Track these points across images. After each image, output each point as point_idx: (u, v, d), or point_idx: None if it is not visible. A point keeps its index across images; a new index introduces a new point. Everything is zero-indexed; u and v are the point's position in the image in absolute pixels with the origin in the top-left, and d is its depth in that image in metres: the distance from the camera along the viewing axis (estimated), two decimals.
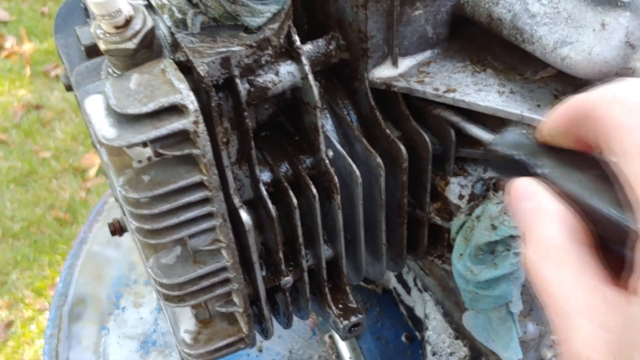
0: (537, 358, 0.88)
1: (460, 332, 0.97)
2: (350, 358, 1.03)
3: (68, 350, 1.07)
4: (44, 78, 3.24)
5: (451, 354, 0.97)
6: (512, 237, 0.66)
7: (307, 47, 0.69)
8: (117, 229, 0.89)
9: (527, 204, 0.40)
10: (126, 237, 1.00)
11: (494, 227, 0.66)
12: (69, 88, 0.73)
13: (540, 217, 0.39)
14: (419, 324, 1.10)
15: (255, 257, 0.68)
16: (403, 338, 1.11)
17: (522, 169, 0.43)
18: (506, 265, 0.66)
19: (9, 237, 2.62)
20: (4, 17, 3.47)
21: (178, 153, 0.57)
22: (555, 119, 0.42)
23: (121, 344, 1.09)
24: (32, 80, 3.20)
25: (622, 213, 0.36)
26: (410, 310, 1.11)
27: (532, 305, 0.81)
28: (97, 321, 1.11)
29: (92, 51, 0.67)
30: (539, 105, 0.66)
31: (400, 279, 1.10)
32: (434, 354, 0.98)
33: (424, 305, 1.00)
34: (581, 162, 0.40)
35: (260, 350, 1.08)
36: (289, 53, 0.63)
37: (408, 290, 1.09)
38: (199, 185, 0.59)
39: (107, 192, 1.48)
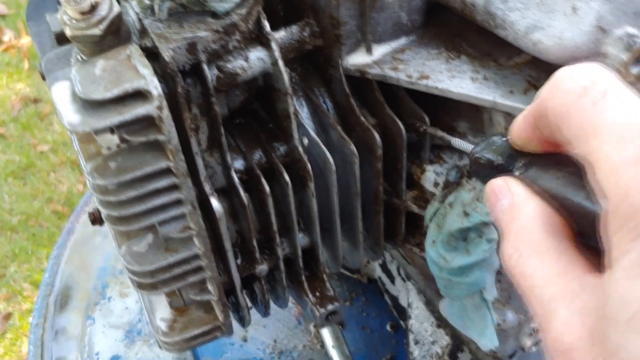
0: (517, 346, 0.87)
1: (442, 321, 0.97)
2: (333, 347, 1.03)
3: (53, 339, 1.07)
4: None
5: (433, 342, 0.97)
6: (484, 223, 0.66)
7: (281, 34, 0.68)
8: (97, 218, 0.89)
9: (504, 202, 0.40)
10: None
11: (466, 214, 0.66)
12: (43, 77, 0.73)
13: (517, 213, 0.39)
14: (403, 313, 1.10)
15: (227, 245, 0.68)
16: (388, 327, 1.11)
17: (503, 174, 0.43)
18: (479, 252, 0.66)
19: (7, 230, 2.62)
20: (2, 11, 3.47)
21: (143, 139, 0.56)
22: (518, 129, 0.42)
23: (106, 333, 1.09)
24: (30, 74, 3.21)
25: (595, 204, 0.36)
26: (394, 299, 1.11)
27: (511, 294, 0.81)
28: (83, 311, 1.11)
29: (62, 38, 0.67)
30: (512, 92, 0.66)
31: (384, 268, 1.10)
32: (416, 342, 0.98)
33: (407, 294, 1.00)
34: (556, 161, 0.41)
35: (244, 340, 1.08)
36: (259, 39, 0.63)
37: (392, 280, 1.09)
38: (166, 172, 0.59)
39: None
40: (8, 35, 3.40)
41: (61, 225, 2.59)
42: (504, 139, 0.45)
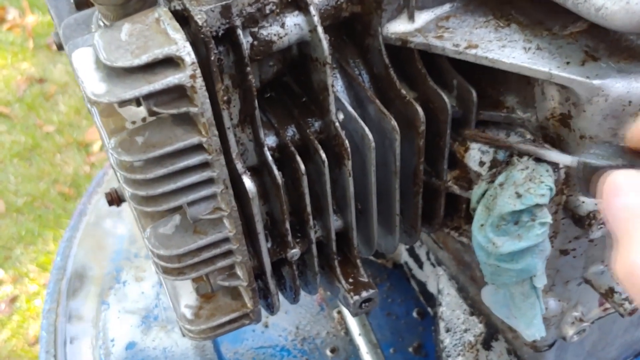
0: (558, 335, 0.83)
1: (475, 308, 0.92)
2: (360, 335, 0.98)
3: (67, 325, 1.03)
4: (47, 51, 3.18)
5: (466, 330, 0.92)
6: (538, 206, 0.61)
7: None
8: (115, 199, 0.84)
9: (628, 199, 0.35)
10: (126, 208, 0.95)
11: (518, 195, 0.61)
12: (59, 47, 0.68)
13: None
14: (431, 300, 1.06)
15: (259, 227, 0.63)
16: (414, 314, 1.07)
17: None
18: (531, 237, 0.61)
19: (13, 211, 2.59)
20: None
21: (174, 111, 0.51)
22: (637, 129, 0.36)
23: (122, 319, 1.05)
24: (35, 53, 3.15)
25: None
26: (422, 285, 1.06)
27: (554, 280, 0.77)
28: (96, 296, 1.07)
29: (82, 3, 0.62)
30: (568, 63, 0.61)
31: (412, 252, 1.05)
32: (447, 330, 0.93)
33: (437, 280, 0.95)
34: None
35: (266, 326, 1.04)
36: (296, 3, 0.58)
37: (420, 265, 1.04)
38: (198, 148, 0.54)
39: (107, 163, 1.44)
40: (12, 14, 3.35)
41: (67, 206, 2.56)
42: (606, 143, 0.41)
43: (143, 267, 1.11)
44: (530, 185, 0.61)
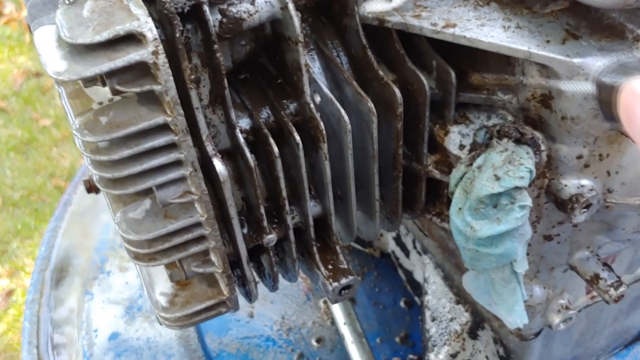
0: (544, 324, 0.81)
1: (461, 297, 0.91)
2: (345, 324, 0.97)
3: (49, 315, 1.02)
4: None
5: (452, 319, 0.91)
6: (517, 188, 0.59)
7: None
8: (93, 186, 0.83)
9: None
10: None
11: (497, 178, 0.59)
12: (30, 27, 0.67)
13: None
14: (418, 289, 1.04)
15: (233, 212, 0.62)
16: (402, 303, 1.06)
17: None
18: (510, 220, 0.60)
19: (10, 205, 2.59)
20: None
21: (137, 89, 0.50)
22: None
23: (105, 309, 1.04)
24: (32, 47, 3.14)
25: None
26: (409, 274, 1.05)
27: (539, 267, 0.75)
28: (80, 286, 1.06)
29: None
30: (548, 41, 0.59)
31: (398, 241, 1.04)
32: (433, 319, 0.92)
33: (423, 269, 0.94)
34: None
35: (251, 316, 1.03)
36: None
37: (407, 254, 1.03)
38: (163, 128, 0.53)
39: None
40: (9, 8, 3.33)
41: None
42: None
43: (127, 257, 1.09)
44: (509, 167, 0.59)
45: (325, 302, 1.05)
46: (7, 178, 2.68)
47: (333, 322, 1.02)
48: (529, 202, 0.60)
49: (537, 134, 0.63)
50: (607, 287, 0.72)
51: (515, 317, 0.66)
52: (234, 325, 1.01)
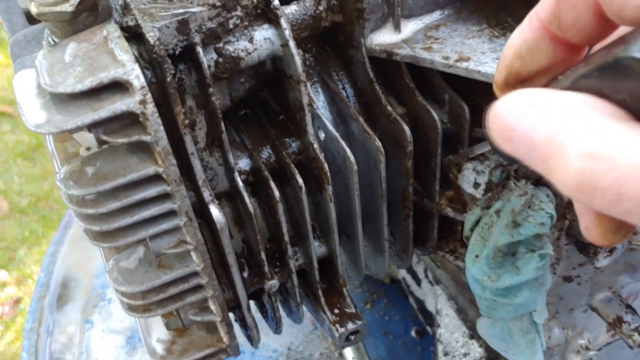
0: None
1: (475, 332, 0.86)
2: (353, 358, 0.93)
3: (48, 346, 0.99)
4: None
5: (465, 354, 0.87)
6: (537, 235, 0.55)
7: (292, 8, 0.57)
8: None
9: (522, 120, 0.31)
10: None
11: (516, 225, 0.55)
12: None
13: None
14: (430, 318, 1.00)
15: (231, 259, 0.58)
16: (413, 333, 1.01)
17: None
18: (530, 270, 0.55)
19: (17, 212, 2.57)
20: None
21: (125, 140, 0.46)
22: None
23: (106, 339, 1.00)
24: None
25: None
26: (420, 302, 1.00)
27: (558, 308, 0.71)
28: (80, 314, 1.03)
29: (34, 16, 0.56)
30: None
31: (409, 269, 1.00)
32: (446, 354, 0.88)
33: (436, 300, 0.90)
34: None
35: (255, 347, 0.98)
36: (266, 15, 0.52)
37: (418, 282, 0.98)
38: (155, 178, 0.49)
39: None
40: None
41: None
42: None
43: None
44: (529, 212, 0.55)
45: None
46: (14, 184, 2.67)
47: (341, 353, 0.98)
48: (549, 250, 0.56)
49: None
50: (631, 331, 0.67)
51: None
52: (238, 357, 0.97)
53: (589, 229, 0.34)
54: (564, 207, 0.59)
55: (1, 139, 2.80)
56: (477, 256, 0.57)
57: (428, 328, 1.00)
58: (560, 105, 0.30)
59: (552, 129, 0.29)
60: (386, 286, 1.06)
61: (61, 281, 1.06)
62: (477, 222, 0.59)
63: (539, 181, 0.58)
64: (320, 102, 0.63)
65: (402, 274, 1.03)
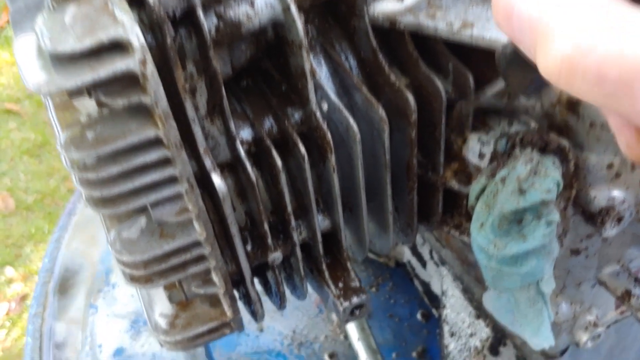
0: (571, 341, 0.76)
1: (481, 311, 0.86)
2: (359, 339, 0.92)
3: (53, 330, 0.98)
4: None
5: (472, 335, 0.86)
6: (544, 202, 0.54)
7: None
8: None
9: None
10: None
11: (522, 192, 0.54)
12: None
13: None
14: (436, 301, 0.99)
15: (234, 229, 0.57)
16: (418, 316, 1.01)
17: None
18: (536, 237, 0.54)
19: (23, 209, 2.57)
20: None
21: (125, 102, 0.46)
22: None
23: (110, 323, 1.00)
24: None
25: None
26: (426, 285, 1.00)
27: (565, 282, 0.70)
28: (84, 299, 1.02)
29: None
30: None
31: (414, 251, 0.99)
32: (452, 334, 0.87)
33: (441, 281, 0.89)
34: None
35: (261, 330, 0.98)
36: None
37: (423, 264, 0.98)
38: (155, 143, 0.48)
39: None
40: None
41: None
42: None
43: None
44: (534, 179, 0.54)
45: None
46: (20, 181, 2.67)
47: (346, 336, 0.97)
48: (556, 217, 0.55)
49: (564, 142, 0.58)
50: None
51: (541, 339, 0.61)
52: (243, 339, 0.97)
53: (630, 146, 0.33)
54: (571, 176, 0.59)
55: (7, 136, 2.81)
56: (482, 224, 0.56)
57: (434, 311, 1.00)
58: None
59: (543, 7, 0.29)
60: (391, 269, 1.05)
61: (65, 267, 1.06)
62: (482, 191, 0.58)
63: (545, 149, 0.57)
64: (323, 74, 0.62)
65: (407, 256, 1.02)
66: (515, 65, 0.44)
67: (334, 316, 1.01)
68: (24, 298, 2.37)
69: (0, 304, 2.34)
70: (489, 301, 0.64)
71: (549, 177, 0.54)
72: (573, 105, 0.57)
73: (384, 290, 1.02)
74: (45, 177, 2.69)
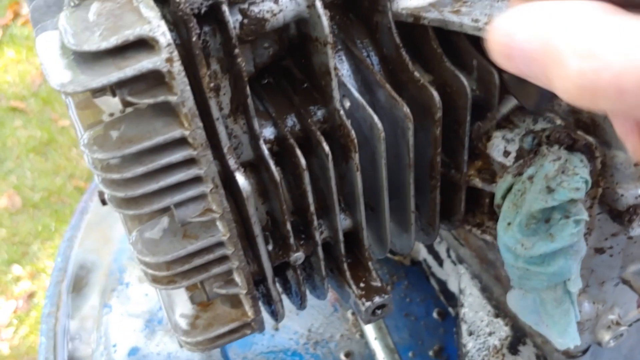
0: (593, 341, 0.75)
1: (500, 310, 0.85)
2: (375, 339, 0.92)
3: (67, 329, 0.98)
4: None
5: (490, 333, 0.85)
6: (572, 201, 0.53)
7: None
8: None
9: (522, 32, 0.30)
10: None
11: (550, 190, 0.53)
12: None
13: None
14: (452, 299, 0.98)
15: (257, 229, 0.56)
16: (435, 314, 1.00)
17: None
18: (565, 237, 0.54)
19: (30, 207, 2.57)
20: None
21: (151, 101, 0.45)
22: None
23: (124, 322, 0.99)
24: None
25: None
26: (442, 284, 0.99)
27: (589, 281, 0.69)
28: (98, 298, 1.02)
29: None
30: None
31: (431, 249, 0.98)
32: (470, 333, 0.86)
33: (459, 279, 0.88)
34: None
35: (276, 329, 0.98)
36: None
37: (440, 262, 0.97)
38: (181, 142, 0.47)
39: None
40: (26, 9, 3.32)
41: None
42: None
43: None
44: (563, 178, 0.53)
45: (353, 313, 1.00)
46: (27, 179, 2.67)
47: (362, 335, 0.97)
48: (584, 215, 0.54)
49: (591, 139, 0.57)
50: None
51: (567, 339, 0.61)
52: (258, 339, 0.97)
53: (637, 150, 0.33)
54: (597, 174, 0.58)
55: (13, 134, 2.81)
56: (509, 224, 0.55)
57: (450, 309, 0.99)
58: (551, 10, 0.29)
59: (546, 35, 0.29)
60: (406, 268, 1.04)
61: (78, 266, 1.06)
62: (509, 189, 0.57)
63: (572, 146, 0.56)
64: (345, 71, 0.61)
65: (423, 255, 1.01)
66: (524, 83, 0.44)
67: (349, 315, 1.00)
68: (31, 296, 2.37)
69: (7, 302, 2.34)
70: (514, 301, 0.63)
71: (577, 175, 0.54)
72: None
73: (399, 289, 1.02)
74: (52, 175, 2.69)
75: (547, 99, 0.46)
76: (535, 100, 0.48)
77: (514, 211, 0.55)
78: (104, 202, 0.77)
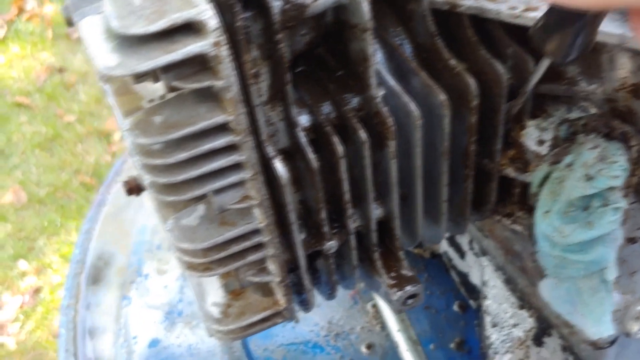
0: (621, 331, 0.75)
1: (525, 301, 0.85)
2: (399, 331, 0.91)
3: (86, 321, 0.98)
4: (66, 40, 3.15)
5: (515, 325, 0.85)
6: (611, 189, 0.53)
7: None
8: (134, 188, 0.78)
9: None
10: (148, 197, 0.89)
11: (589, 178, 0.53)
12: (69, 22, 0.62)
13: None
14: (472, 292, 0.98)
15: (292, 217, 0.56)
16: (455, 307, 1.00)
17: None
18: (603, 224, 0.54)
19: (35, 202, 2.57)
20: None
21: (196, 85, 0.45)
22: None
23: (144, 314, 0.99)
24: (55, 43, 3.12)
25: None
26: (463, 276, 0.99)
27: (620, 271, 0.69)
28: (117, 290, 1.02)
29: None
30: None
31: (452, 242, 0.98)
32: (494, 325, 0.86)
33: (482, 271, 0.88)
34: None
35: (296, 321, 0.97)
36: None
37: (462, 255, 0.97)
38: (224, 128, 0.47)
39: (127, 151, 1.39)
40: (31, 4, 3.31)
41: (89, 197, 2.53)
42: None
43: (166, 259, 1.05)
44: (601, 166, 0.53)
45: (373, 306, 1.00)
46: (32, 175, 2.67)
47: (383, 327, 0.97)
48: (623, 203, 0.54)
49: (627, 128, 0.57)
50: None
51: (602, 328, 0.61)
52: (279, 330, 0.96)
53: None
54: (633, 163, 0.58)
55: (19, 130, 2.81)
56: (547, 212, 0.55)
57: (471, 302, 0.99)
58: None
59: None
60: (426, 261, 1.04)
61: (97, 258, 1.05)
62: (545, 178, 0.57)
63: (609, 135, 0.56)
64: (379, 59, 0.61)
65: (444, 247, 1.01)
66: (550, 34, 0.44)
67: (369, 307, 1.00)
68: (37, 291, 2.37)
69: (14, 297, 2.34)
70: (546, 290, 0.63)
71: (616, 163, 0.54)
72: (637, 90, 0.56)
73: (420, 281, 1.01)
74: (57, 171, 2.69)
75: (575, 50, 0.45)
76: (563, 52, 0.47)
77: (552, 199, 0.55)
78: (130, 192, 0.77)
